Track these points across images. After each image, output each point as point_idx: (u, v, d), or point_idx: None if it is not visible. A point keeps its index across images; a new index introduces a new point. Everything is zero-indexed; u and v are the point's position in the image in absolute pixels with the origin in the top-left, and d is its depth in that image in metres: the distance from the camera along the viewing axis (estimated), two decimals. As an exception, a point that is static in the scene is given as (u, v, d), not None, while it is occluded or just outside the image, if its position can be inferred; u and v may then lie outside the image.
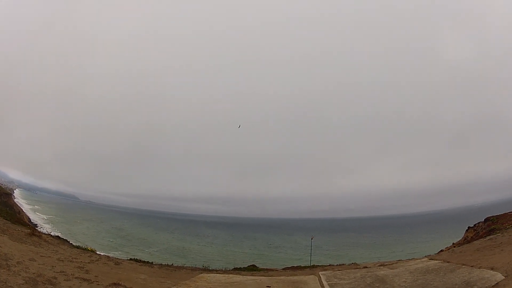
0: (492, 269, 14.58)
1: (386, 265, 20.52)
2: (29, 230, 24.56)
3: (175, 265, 25.40)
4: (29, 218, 78.37)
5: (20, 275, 12.45)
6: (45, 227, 66.28)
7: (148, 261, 24.98)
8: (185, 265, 25.67)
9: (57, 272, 14.48)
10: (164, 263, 25.83)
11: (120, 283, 14.73)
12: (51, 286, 12.17)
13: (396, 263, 21.06)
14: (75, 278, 14.32)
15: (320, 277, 18.53)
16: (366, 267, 20.76)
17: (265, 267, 29.25)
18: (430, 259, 20.27)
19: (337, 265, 25.44)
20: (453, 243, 33.55)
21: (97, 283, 14.24)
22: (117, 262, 21.81)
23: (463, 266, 16.13)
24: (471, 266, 15.64)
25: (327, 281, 17.00)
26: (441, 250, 29.43)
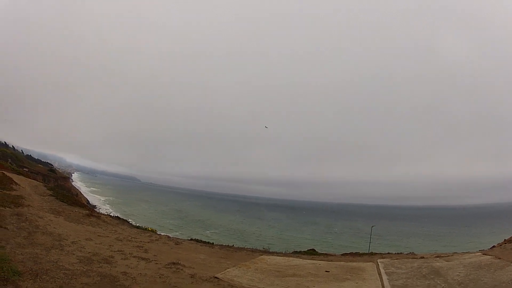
0: (538, 268, 15.27)
1: (442, 257, 21.18)
2: (86, 211, 25.80)
3: (236, 246, 25.29)
4: (87, 200, 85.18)
5: (74, 254, 12.57)
6: (103, 208, 71.21)
7: (208, 242, 25.08)
8: (245, 247, 25.42)
9: (114, 251, 14.62)
10: (224, 244, 25.81)
11: (179, 262, 14.52)
12: (107, 265, 12.07)
13: (452, 255, 21.73)
14: (133, 257, 14.32)
15: (378, 264, 19.37)
16: (423, 258, 21.38)
17: (324, 252, 29.28)
18: (483, 254, 20.66)
19: (395, 253, 26.17)
20: (505, 239, 31.76)
21: (156, 262, 14.10)
22: (177, 242, 22.21)
23: (512, 264, 16.95)
24: (519, 264, 16.42)
25: (384, 269, 17.80)
26: (493, 246, 29.01)
